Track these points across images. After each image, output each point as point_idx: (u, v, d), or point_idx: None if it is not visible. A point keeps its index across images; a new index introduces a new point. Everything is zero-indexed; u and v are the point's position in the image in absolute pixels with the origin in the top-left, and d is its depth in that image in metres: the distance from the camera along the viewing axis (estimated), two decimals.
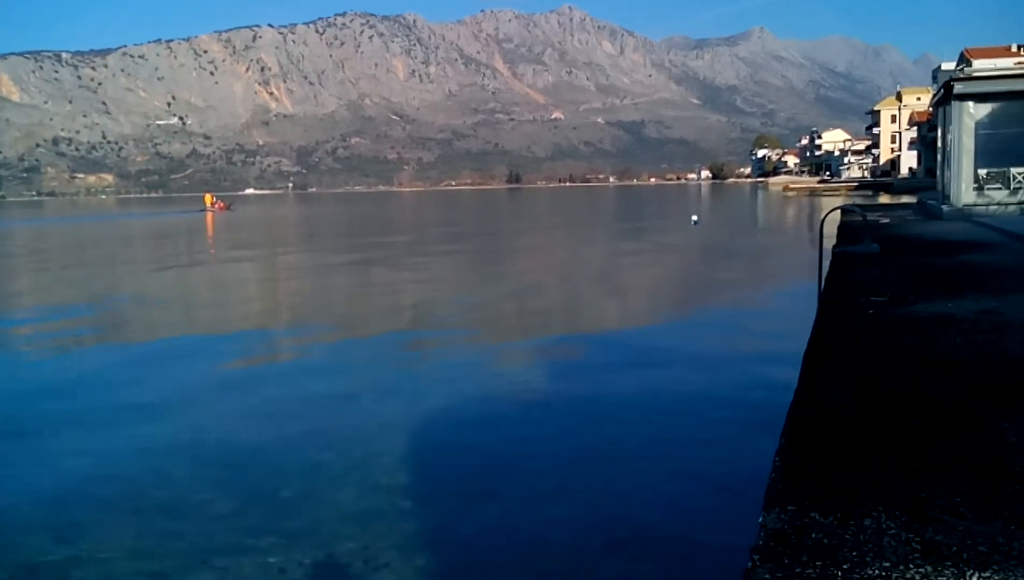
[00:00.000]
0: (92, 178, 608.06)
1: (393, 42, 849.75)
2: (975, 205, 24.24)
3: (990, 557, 2.86)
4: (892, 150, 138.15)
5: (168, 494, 8.93)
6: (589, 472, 9.29)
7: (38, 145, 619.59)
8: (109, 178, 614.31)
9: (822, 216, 16.71)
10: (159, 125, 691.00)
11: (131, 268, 38.24)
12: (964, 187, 24.72)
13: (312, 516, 8.18)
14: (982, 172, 24.50)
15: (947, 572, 2.80)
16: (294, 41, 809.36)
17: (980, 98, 24.40)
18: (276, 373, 15.40)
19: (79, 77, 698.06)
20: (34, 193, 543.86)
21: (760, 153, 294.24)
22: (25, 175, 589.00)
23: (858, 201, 63.36)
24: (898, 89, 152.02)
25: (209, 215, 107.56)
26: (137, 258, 45.36)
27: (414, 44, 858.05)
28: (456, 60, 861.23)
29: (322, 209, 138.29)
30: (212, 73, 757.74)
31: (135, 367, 15.85)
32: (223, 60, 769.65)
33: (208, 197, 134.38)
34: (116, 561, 7.35)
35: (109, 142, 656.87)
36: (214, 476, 9.48)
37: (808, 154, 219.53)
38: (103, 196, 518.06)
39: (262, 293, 28.88)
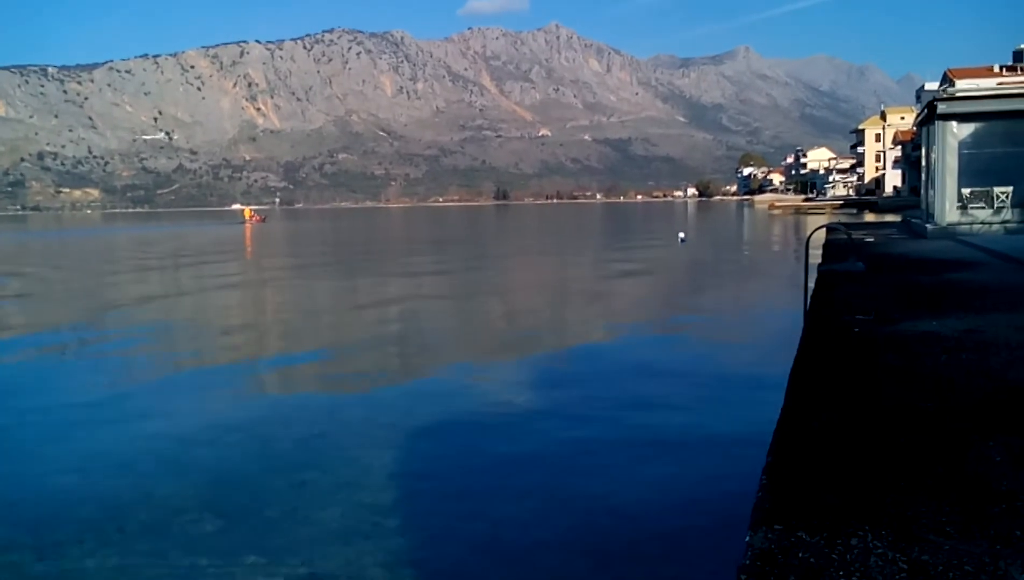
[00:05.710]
0: (78, 193, 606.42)
1: (380, 59, 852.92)
2: (959, 224, 24.37)
3: (977, 577, 2.87)
4: (877, 169, 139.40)
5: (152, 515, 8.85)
6: (577, 491, 9.26)
7: (23, 159, 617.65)
8: (95, 193, 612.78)
9: (807, 234, 16.82)
10: (145, 140, 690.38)
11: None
12: (948, 206, 24.86)
13: (297, 534, 8.13)
14: (966, 191, 24.63)
15: None
16: (281, 57, 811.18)
17: (963, 118, 24.55)
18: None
19: (65, 91, 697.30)
20: (18, 207, 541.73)
21: (746, 171, 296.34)
22: (10, 189, 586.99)
23: (843, 219, 63.81)
24: (882, 108, 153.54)
25: (247, 226, 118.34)
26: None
27: (402, 61, 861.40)
28: (443, 77, 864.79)
29: (332, 224, 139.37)
30: (199, 88, 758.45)
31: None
32: (210, 75, 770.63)
33: (247, 211, 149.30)
34: None
35: (95, 157, 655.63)
36: (199, 495, 9.41)
37: (793, 172, 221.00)
38: (88, 211, 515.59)
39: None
